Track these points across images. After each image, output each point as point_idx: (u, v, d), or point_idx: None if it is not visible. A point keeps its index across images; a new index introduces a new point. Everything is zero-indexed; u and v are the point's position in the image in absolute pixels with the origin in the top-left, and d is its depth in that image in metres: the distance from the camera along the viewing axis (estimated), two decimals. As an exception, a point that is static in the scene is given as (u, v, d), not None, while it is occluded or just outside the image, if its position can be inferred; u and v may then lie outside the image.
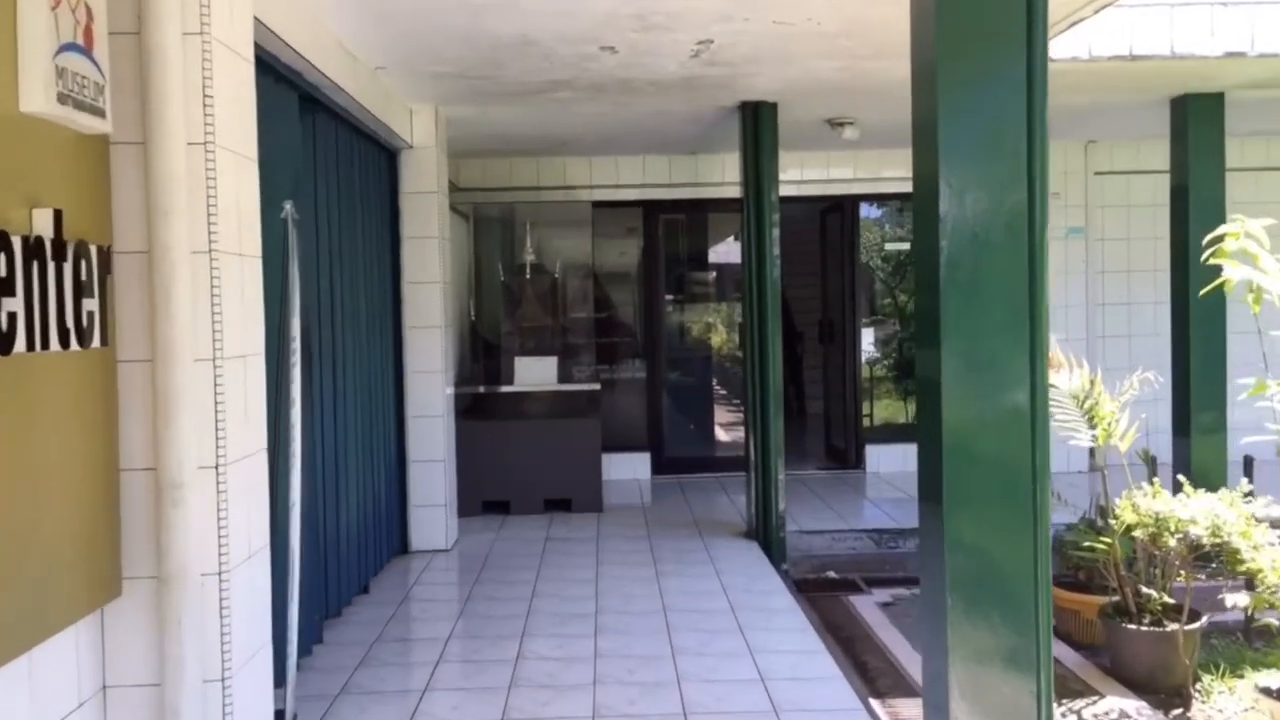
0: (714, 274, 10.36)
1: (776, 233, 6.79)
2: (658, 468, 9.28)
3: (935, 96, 2.97)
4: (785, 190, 6.97)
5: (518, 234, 8.51)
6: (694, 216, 9.93)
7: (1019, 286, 2.92)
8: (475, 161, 8.88)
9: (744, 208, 6.88)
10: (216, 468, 2.76)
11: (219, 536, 2.75)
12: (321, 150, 5.04)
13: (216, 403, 2.76)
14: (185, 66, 2.69)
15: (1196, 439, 6.79)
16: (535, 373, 7.85)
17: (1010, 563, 2.83)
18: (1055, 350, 5.02)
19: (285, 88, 4.38)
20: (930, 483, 2.92)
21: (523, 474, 7.65)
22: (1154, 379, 4.84)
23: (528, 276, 8.05)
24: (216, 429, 2.76)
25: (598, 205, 8.79)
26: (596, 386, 7.96)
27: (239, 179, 2.96)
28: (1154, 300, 9.07)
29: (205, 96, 2.75)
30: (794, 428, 11.19)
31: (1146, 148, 8.90)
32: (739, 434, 10.03)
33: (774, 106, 6.73)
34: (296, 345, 3.66)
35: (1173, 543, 4.51)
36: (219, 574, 2.75)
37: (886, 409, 9.99)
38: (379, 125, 5.87)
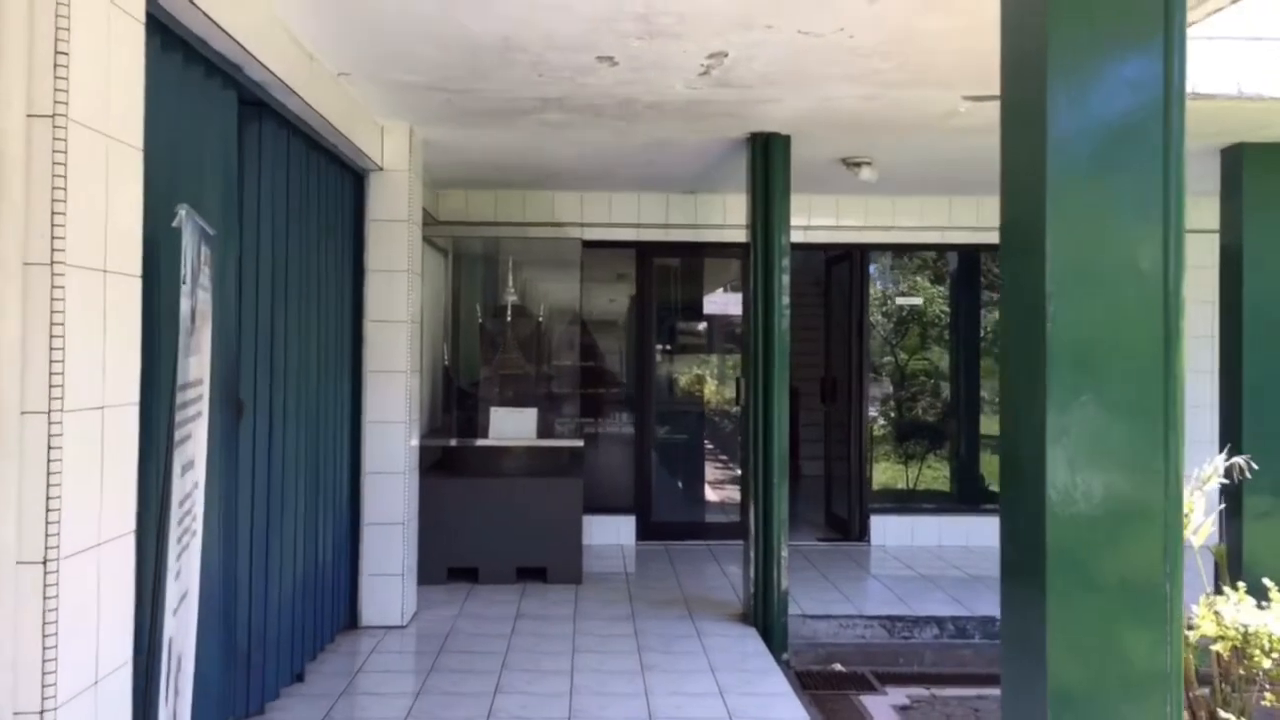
0: (706, 323, 9.66)
1: (787, 280, 6.10)
2: (644, 533, 8.48)
3: (1043, 109, 2.27)
4: (790, 235, 6.29)
5: (500, 273, 7.79)
6: (690, 261, 9.25)
7: (1147, 349, 2.23)
8: (456, 193, 8.19)
9: (751, 252, 6.19)
10: (44, 563, 1.98)
11: (43, 664, 1.96)
12: (268, 163, 4.31)
13: (50, 473, 1.99)
14: (31, 9, 1.96)
15: (1250, 525, 6.06)
16: (513, 425, 7.09)
17: (1134, 672, 2.22)
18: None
19: (219, 83, 3.67)
20: (1027, 571, 2.26)
21: (494, 538, 6.85)
22: (1245, 466, 4.10)
23: (509, 319, 7.32)
24: (48, 510, 1.99)
25: (588, 245, 8.09)
26: (579, 443, 7.20)
27: (110, 171, 2.22)
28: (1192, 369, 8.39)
29: (58, 53, 2.01)
30: (790, 492, 10.44)
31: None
32: (731, 496, 9.27)
33: (787, 140, 6.06)
34: (203, 394, 2.90)
35: (1267, 664, 3.75)
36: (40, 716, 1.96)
37: (885, 473, 9.26)
38: (342, 141, 5.16)
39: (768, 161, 6.10)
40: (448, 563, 6.86)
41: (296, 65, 4.22)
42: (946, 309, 11.47)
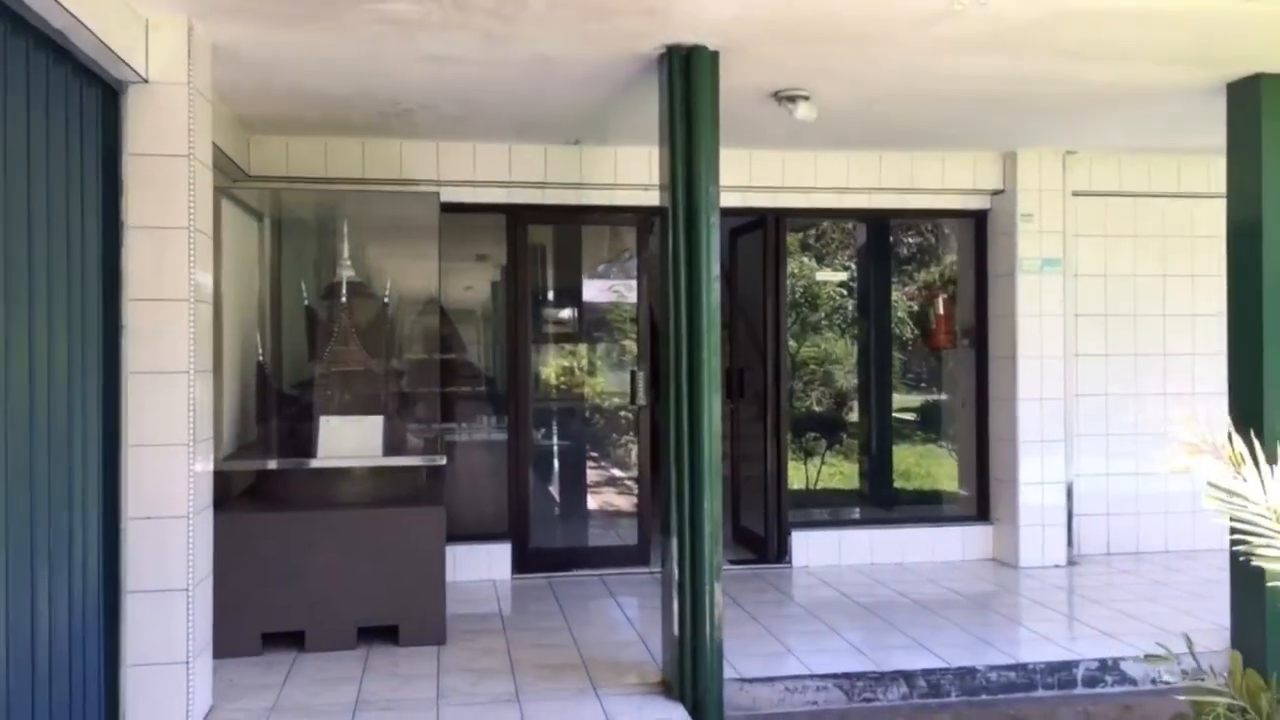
0: (581, 306, 8.14)
1: (716, 243, 4.65)
2: (521, 563, 6.90)
3: None
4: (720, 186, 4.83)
5: (332, 242, 6.04)
6: (571, 228, 7.70)
7: None
8: (274, 140, 6.38)
9: (670, 209, 4.69)
10: None
11: None
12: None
13: None
14: None
15: (1274, 543, 4.97)
16: (352, 439, 5.39)
17: None
18: (1198, 426, 3.03)
19: None
20: None
21: (328, 591, 5.15)
22: None
23: (344, 300, 5.60)
24: None
25: (448, 209, 6.42)
26: (440, 459, 5.54)
27: None
28: (1134, 352, 7.42)
29: None
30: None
31: (1130, 164, 7.27)
32: (621, 511, 7.80)
33: (714, 57, 4.60)
34: None
35: None
36: None
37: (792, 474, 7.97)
38: (81, 35, 3.39)
39: (689, 86, 4.62)
40: (263, 626, 5.11)
41: None
42: (849, 286, 10.32)
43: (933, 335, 8.08)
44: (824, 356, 10.40)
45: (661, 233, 4.81)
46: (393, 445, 5.53)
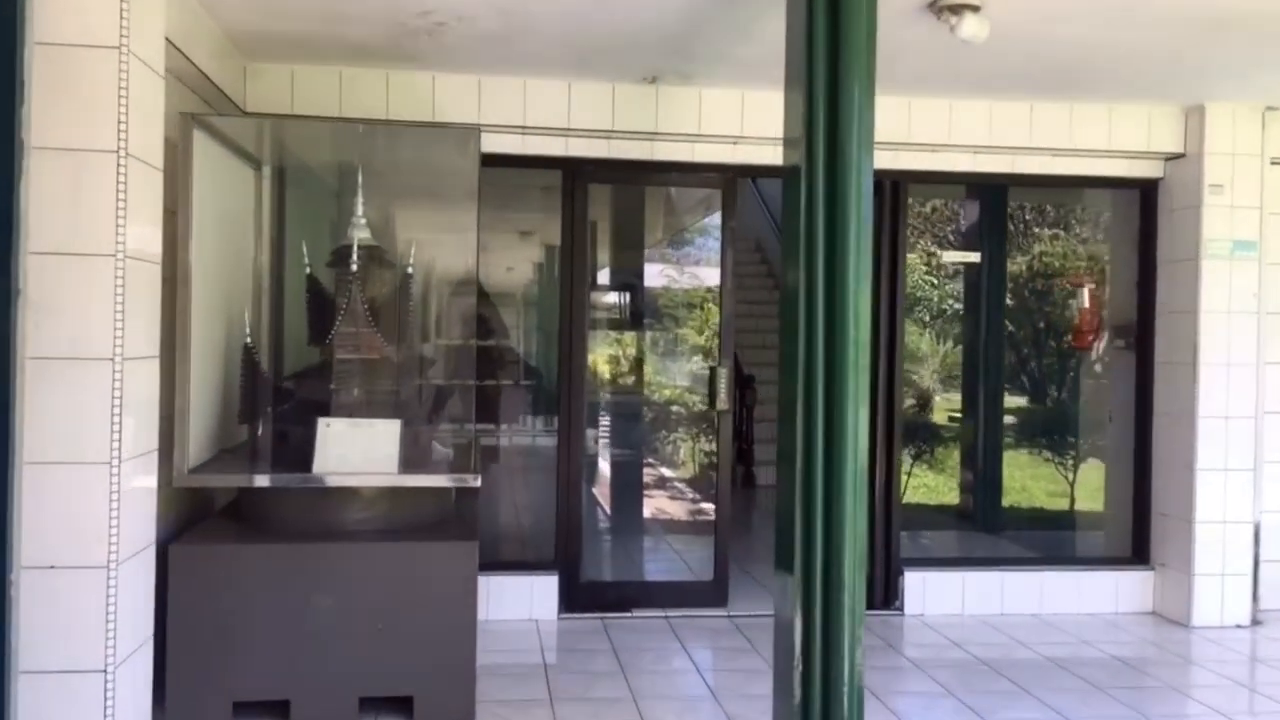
0: (657, 284, 6.84)
1: (868, 216, 3.32)
2: (570, 600, 5.61)
3: None
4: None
5: (346, 197, 4.76)
6: (637, 190, 6.39)
7: None
8: (275, 71, 5.13)
9: (804, 170, 3.35)
10: None
11: None
12: None
13: None
14: None
15: None
16: (358, 449, 4.11)
17: None
18: None
19: None
20: None
21: (321, 649, 3.90)
22: None
23: (354, 268, 4.34)
24: None
25: (490, 161, 5.13)
26: (473, 479, 4.23)
27: None
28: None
29: None
30: (741, 513, 7.73)
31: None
32: (692, 538, 6.50)
33: (867, -64, 3.25)
34: None
35: None
36: None
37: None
38: None
39: (836, 3, 3.29)
40: (236, 692, 3.87)
41: None
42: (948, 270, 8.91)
43: (1076, 332, 6.65)
44: (908, 353, 9.04)
45: (789, 201, 3.48)
46: (413, 457, 4.25)
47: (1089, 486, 7.18)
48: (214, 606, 3.82)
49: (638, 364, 6.94)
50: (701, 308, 8.16)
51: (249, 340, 4.46)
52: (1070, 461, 7.41)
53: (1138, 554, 5.98)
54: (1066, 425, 7.14)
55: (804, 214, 3.34)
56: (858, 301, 3.28)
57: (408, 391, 4.56)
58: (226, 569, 3.90)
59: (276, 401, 4.64)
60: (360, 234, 4.50)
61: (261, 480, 4.18)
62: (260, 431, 4.46)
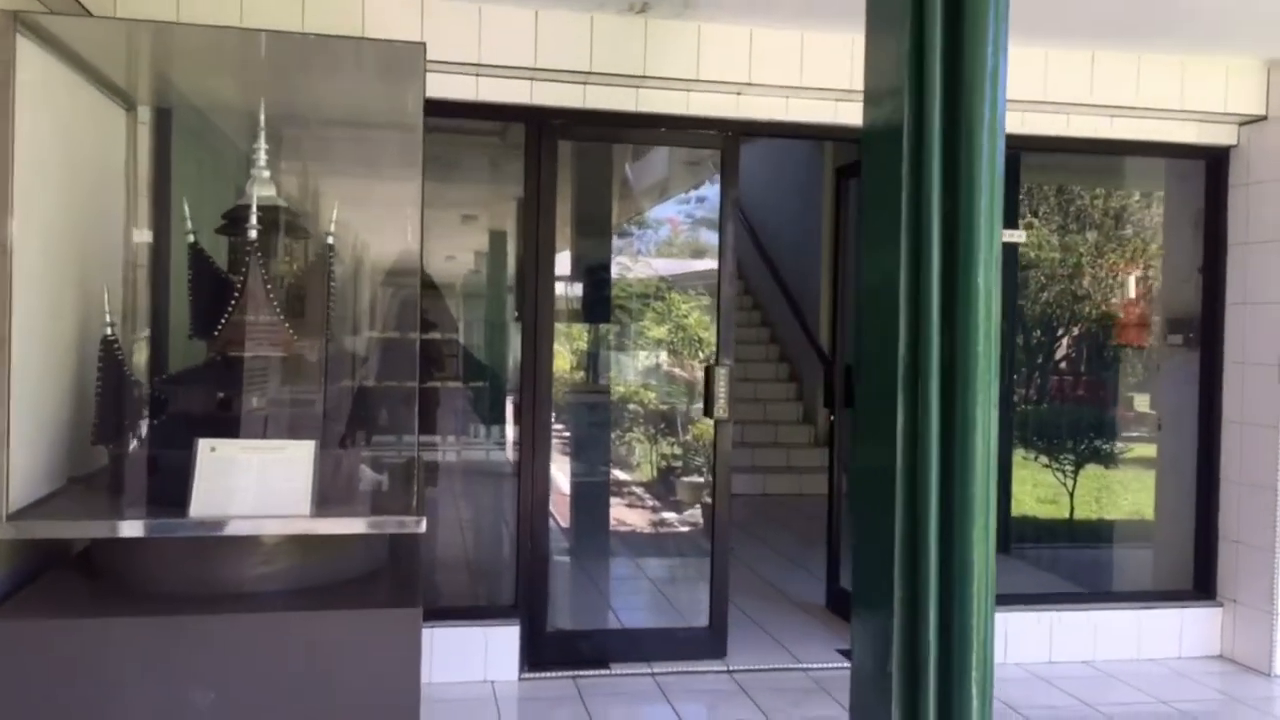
0: (644, 266, 5.81)
1: (1000, 187, 2.34)
2: (535, 655, 4.54)
3: None
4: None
5: (244, 140, 3.61)
6: (612, 150, 5.35)
7: None
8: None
9: (911, 129, 2.38)
10: None
11: None
12: None
13: None
14: None
15: None
16: (254, 482, 2.98)
17: None
18: None
19: None
20: None
21: (199, 764, 2.77)
22: None
23: (253, 235, 3.20)
24: None
25: (433, 108, 4.03)
26: (415, 523, 3.11)
27: None
28: None
29: None
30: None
31: None
32: (683, 576, 5.49)
33: None
34: None
35: None
36: None
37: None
38: None
39: None
40: (77, 830, 2.73)
41: None
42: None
43: (1119, 326, 5.76)
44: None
45: (874, 170, 2.50)
46: (334, 491, 3.13)
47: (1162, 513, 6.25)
48: (47, 707, 2.69)
49: (610, 363, 5.89)
50: (716, 294, 7.14)
51: (110, 331, 3.29)
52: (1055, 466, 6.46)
53: (1201, 587, 5.11)
54: (1102, 432, 6.23)
55: (909, 186, 2.37)
56: (989, 290, 2.29)
57: (327, 400, 3.43)
58: (64, 652, 2.75)
59: (152, 413, 3.48)
60: (263, 190, 3.37)
61: (119, 526, 3.02)
62: (123, 456, 3.29)
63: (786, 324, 10.24)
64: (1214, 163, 5.04)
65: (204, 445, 2.94)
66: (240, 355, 3.19)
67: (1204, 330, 5.11)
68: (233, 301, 3.17)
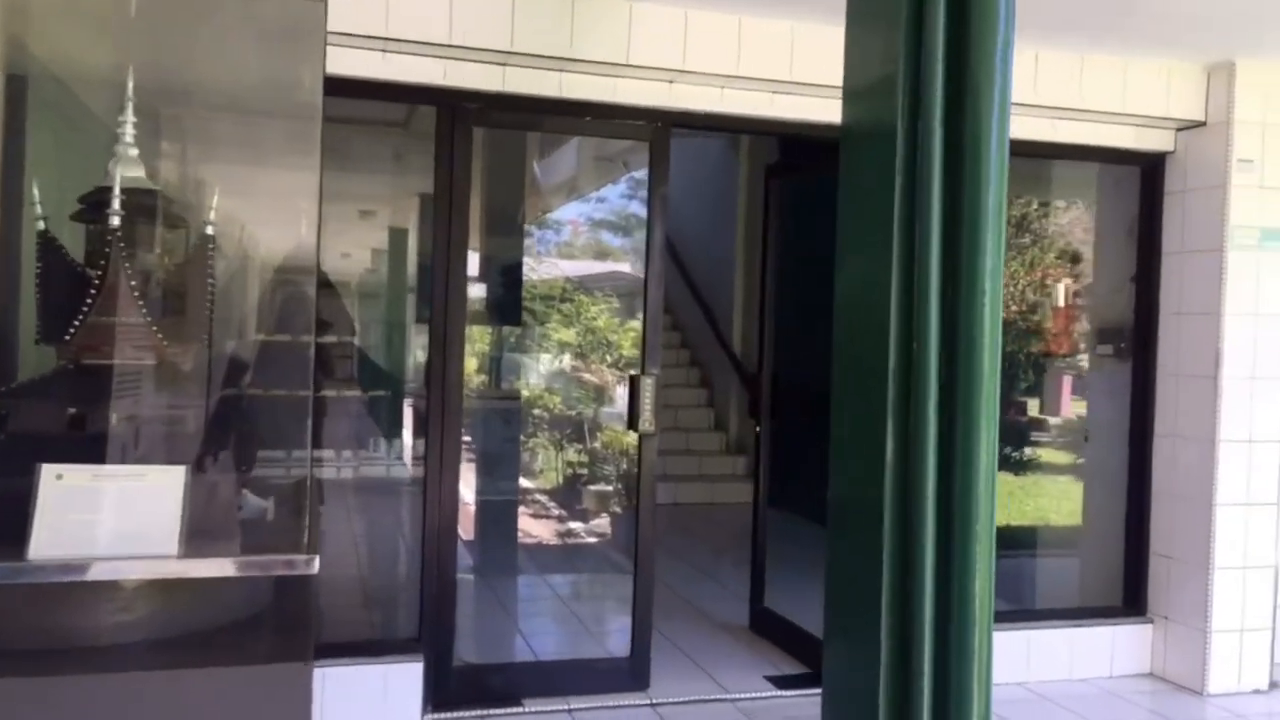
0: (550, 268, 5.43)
1: (1004, 184, 2.05)
2: (441, 693, 4.12)
3: None
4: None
5: (109, 115, 3.10)
6: (525, 140, 4.97)
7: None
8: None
9: (906, 120, 2.10)
10: None
11: None
12: None
13: None
14: None
15: None
16: (111, 516, 2.50)
17: None
18: None
19: None
20: None
21: None
22: None
23: (115, 222, 2.72)
24: None
25: (334, 87, 3.59)
26: (308, 562, 2.67)
27: None
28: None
29: None
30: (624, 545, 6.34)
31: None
32: (603, 602, 5.13)
33: None
34: None
35: None
36: None
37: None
38: None
39: None
40: None
41: None
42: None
43: (1048, 335, 5.63)
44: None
45: (853, 171, 2.21)
46: (209, 523, 2.67)
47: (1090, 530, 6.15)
48: None
49: (517, 367, 5.49)
50: (644, 296, 6.77)
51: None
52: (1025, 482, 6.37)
53: (1131, 603, 4.99)
54: (1021, 443, 6.12)
55: (902, 186, 2.07)
56: (995, 299, 2.01)
57: (200, 416, 2.96)
58: None
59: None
60: (129, 171, 2.89)
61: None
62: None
63: (697, 329, 9.98)
64: (1149, 169, 4.93)
65: (48, 472, 2.45)
66: (97, 363, 2.70)
67: (1136, 341, 5.00)
68: (89, 299, 2.68)
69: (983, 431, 1.95)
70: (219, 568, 2.53)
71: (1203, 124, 4.70)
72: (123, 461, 2.67)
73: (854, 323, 2.16)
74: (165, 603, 2.63)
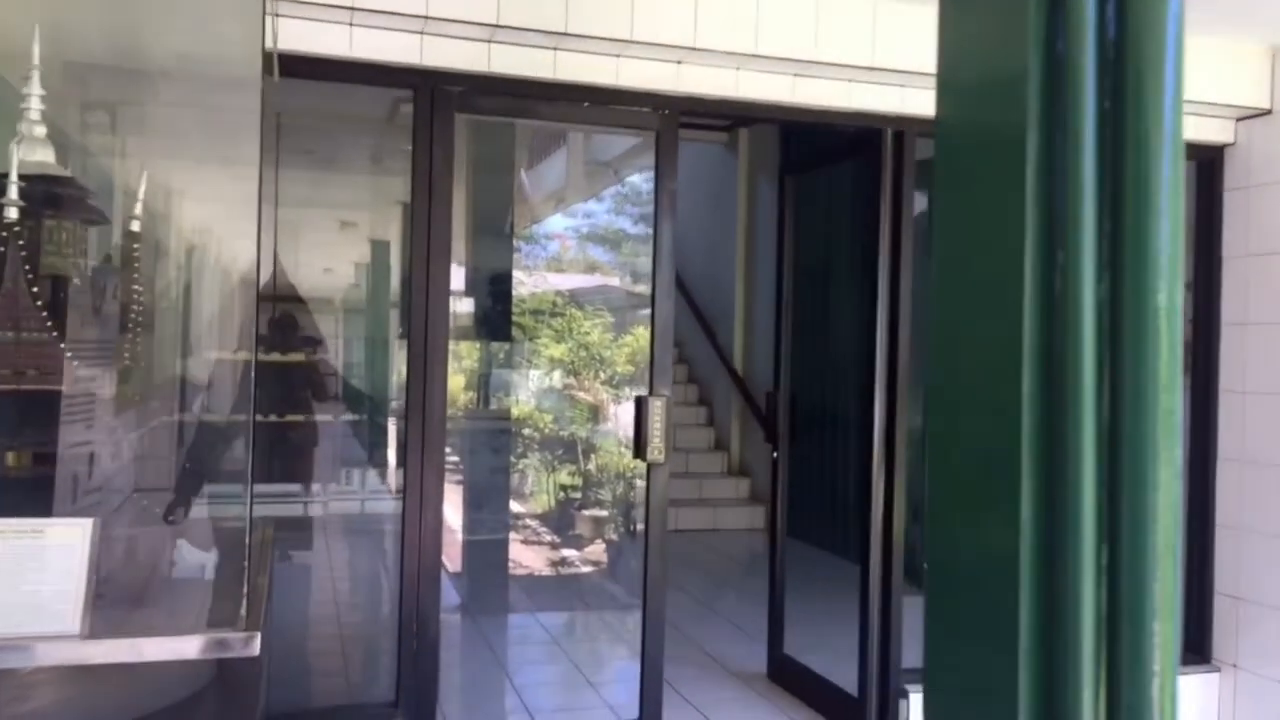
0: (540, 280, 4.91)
1: (1181, 181, 1.47)
2: (420, 766, 3.56)
3: None
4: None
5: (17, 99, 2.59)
6: (514, 131, 4.46)
7: None
8: None
9: (1068, 120, 1.45)
10: None
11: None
12: None
13: None
14: None
15: None
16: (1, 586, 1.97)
17: None
18: None
19: None
20: None
21: None
22: None
23: (12, 218, 2.20)
24: None
25: (294, 67, 3.08)
26: (244, 642, 2.14)
27: None
28: None
29: None
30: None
31: None
32: (609, 660, 4.59)
33: None
34: None
35: None
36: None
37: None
38: None
39: None
40: None
41: None
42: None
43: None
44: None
45: (949, 170, 1.63)
46: (128, 588, 2.13)
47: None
48: None
49: (528, 394, 4.97)
50: (650, 309, 6.24)
51: None
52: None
53: (1194, 649, 4.48)
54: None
55: (1036, 192, 1.54)
56: (1172, 309, 1.49)
57: (126, 453, 2.42)
58: None
59: None
60: (34, 155, 2.36)
61: None
62: None
63: (695, 342, 9.46)
64: (1206, 163, 4.45)
65: (-91, 531, 1.91)
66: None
67: (1194, 355, 4.51)
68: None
69: (1161, 488, 1.45)
70: (126, 650, 1.97)
71: (1268, 112, 4.23)
72: (18, 514, 2.13)
73: (958, 354, 1.66)
74: (79, 689, 2.09)
